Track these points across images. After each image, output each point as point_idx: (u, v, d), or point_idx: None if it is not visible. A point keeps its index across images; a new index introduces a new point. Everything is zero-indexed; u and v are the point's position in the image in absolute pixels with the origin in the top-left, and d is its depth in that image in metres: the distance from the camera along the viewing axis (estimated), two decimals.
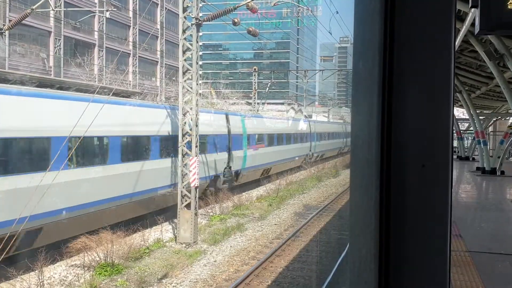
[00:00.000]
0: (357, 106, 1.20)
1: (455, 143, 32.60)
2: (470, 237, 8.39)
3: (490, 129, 33.32)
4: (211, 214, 18.90)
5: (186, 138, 15.40)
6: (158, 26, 50.38)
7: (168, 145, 17.15)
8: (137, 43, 46.44)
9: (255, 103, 38.50)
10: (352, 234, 1.19)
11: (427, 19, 1.10)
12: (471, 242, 8.03)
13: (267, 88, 40.05)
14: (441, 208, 1.10)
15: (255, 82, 38.29)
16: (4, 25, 18.29)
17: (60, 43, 38.47)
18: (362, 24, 1.19)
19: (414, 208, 1.10)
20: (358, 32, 1.19)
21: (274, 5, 26.31)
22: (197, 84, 15.54)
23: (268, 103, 67.15)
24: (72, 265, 12.21)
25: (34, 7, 17.57)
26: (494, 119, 30.96)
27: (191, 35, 15.37)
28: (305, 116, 43.25)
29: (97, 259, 11.95)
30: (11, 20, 21.56)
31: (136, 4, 48.12)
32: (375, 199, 1.10)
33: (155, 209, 16.54)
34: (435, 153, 1.10)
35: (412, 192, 1.10)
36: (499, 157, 21.13)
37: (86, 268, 11.93)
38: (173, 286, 11.16)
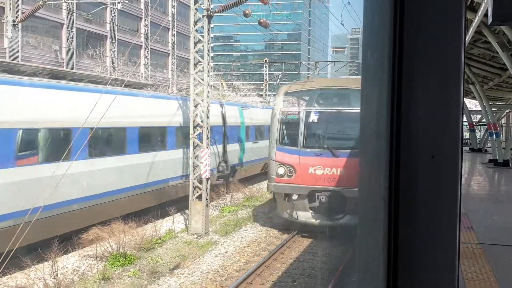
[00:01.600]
0: (366, 97, 1.20)
1: (468, 135, 32.27)
2: (481, 229, 8.32)
3: (503, 121, 32.97)
4: (222, 205, 18.95)
5: (198, 130, 15.43)
6: (170, 18, 50.39)
7: (180, 136, 17.23)
8: (149, 35, 46.49)
9: (266, 94, 38.42)
10: (361, 225, 1.19)
11: (437, 10, 1.09)
12: (483, 234, 7.97)
13: (278, 80, 39.98)
14: (450, 199, 1.09)
15: (266, 74, 38.21)
16: (17, 17, 18.39)
17: (73, 35, 38.61)
18: (371, 14, 1.18)
19: (423, 199, 1.10)
20: (367, 23, 1.19)
21: None
22: (208, 76, 15.53)
23: None
24: (84, 256, 12.31)
25: None
26: (507, 110, 30.61)
27: (202, 27, 15.37)
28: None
29: (110, 249, 12.04)
30: (23, 12, 21.67)
31: None
32: (384, 190, 1.10)
33: (168, 200, 16.65)
34: (445, 144, 1.09)
35: (421, 183, 1.10)
36: (511, 149, 20.93)
37: (98, 259, 12.02)
38: (184, 277, 11.22)
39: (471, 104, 34.21)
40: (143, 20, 47.85)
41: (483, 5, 8.47)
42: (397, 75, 1.11)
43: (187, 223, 15.63)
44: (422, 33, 1.11)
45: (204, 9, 15.16)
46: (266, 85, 38.00)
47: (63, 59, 37.08)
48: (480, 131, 40.39)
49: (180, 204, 16.96)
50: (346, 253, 12.85)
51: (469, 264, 6.48)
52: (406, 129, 1.10)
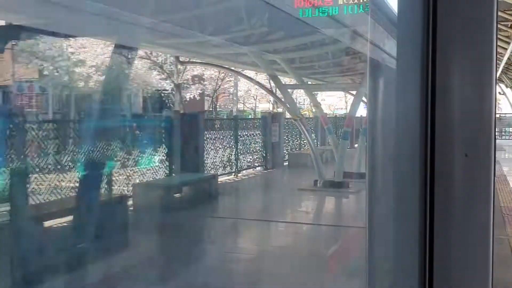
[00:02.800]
0: (401, 95, 1.16)
1: None
2: None
3: None
4: None
5: None
6: None
7: None
8: None
9: None
10: (396, 225, 1.16)
11: (469, 7, 1.06)
12: None
13: None
14: (484, 198, 1.06)
15: None
16: None
17: None
18: (405, 16, 1.15)
19: (458, 198, 1.07)
20: (401, 23, 1.15)
21: None
22: None
23: None
24: None
25: None
26: None
27: None
28: None
29: None
30: None
31: None
32: (420, 189, 1.08)
33: None
34: (478, 142, 1.06)
35: (455, 182, 1.07)
36: None
37: None
38: None
39: None
40: None
41: None
42: (431, 73, 1.08)
43: None
44: (455, 30, 1.08)
45: None
46: None
47: None
48: None
49: None
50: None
51: None
52: (440, 128, 1.08)
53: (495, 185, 1.07)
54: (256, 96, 31.04)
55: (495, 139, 1.08)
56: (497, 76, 24.10)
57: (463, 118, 1.06)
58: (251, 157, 16.17)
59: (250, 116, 30.09)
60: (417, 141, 1.08)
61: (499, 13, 13.12)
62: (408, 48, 1.10)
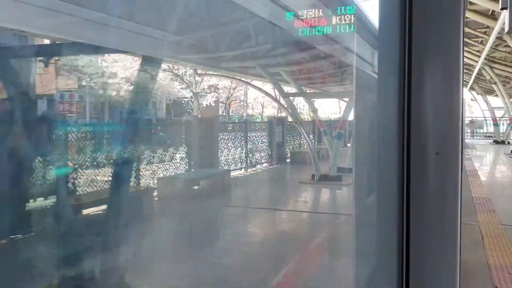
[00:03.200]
0: (380, 97, 1.15)
1: (492, 129, 30.96)
2: (503, 212, 7.96)
3: None
4: None
5: None
6: None
7: None
8: None
9: None
10: (377, 224, 1.14)
11: (438, 13, 1.05)
12: (505, 217, 7.63)
13: None
14: (452, 191, 1.04)
15: None
16: None
17: None
18: (385, 18, 1.13)
19: (430, 196, 1.06)
20: (381, 26, 1.13)
21: None
22: None
23: None
24: None
25: None
26: None
27: None
28: None
29: None
30: None
31: None
32: (397, 188, 1.06)
33: None
34: (448, 141, 1.05)
35: (427, 180, 1.05)
36: None
37: None
38: None
39: (495, 101, 32.77)
40: None
41: (502, 14, 8.09)
42: (407, 82, 1.07)
43: None
44: (428, 45, 1.07)
45: None
46: None
47: None
48: (503, 125, 38.63)
49: None
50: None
51: (492, 242, 6.22)
52: (415, 129, 1.06)
53: (462, 180, 1.05)
54: (263, 103, 30.98)
55: (462, 139, 1.06)
56: (470, 84, 23.97)
57: (434, 121, 1.05)
58: (258, 154, 16.15)
59: (258, 120, 30.02)
60: (395, 141, 1.06)
61: (471, 31, 13.08)
62: (386, 61, 1.08)
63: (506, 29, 3.33)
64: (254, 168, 15.51)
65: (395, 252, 1.06)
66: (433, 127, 1.04)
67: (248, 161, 15.19)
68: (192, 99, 23.66)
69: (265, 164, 16.41)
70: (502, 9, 3.41)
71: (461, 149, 1.05)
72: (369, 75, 1.18)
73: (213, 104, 25.52)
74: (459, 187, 1.05)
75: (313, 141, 17.61)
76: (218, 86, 24.72)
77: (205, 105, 24.78)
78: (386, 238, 1.08)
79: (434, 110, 1.04)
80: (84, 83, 20.10)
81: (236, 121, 26.56)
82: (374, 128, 1.12)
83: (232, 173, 13.09)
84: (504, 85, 19.26)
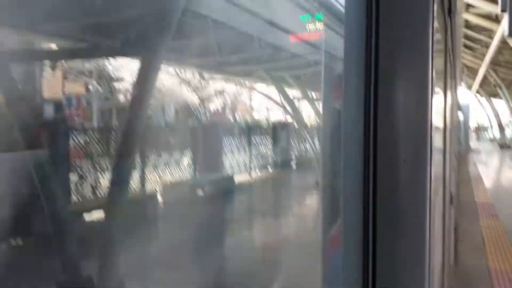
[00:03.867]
0: (347, 102, 1.10)
1: (497, 134, 30.70)
2: (504, 216, 7.88)
3: None
4: None
5: None
6: None
7: None
8: None
9: None
10: (344, 231, 1.10)
11: (405, 16, 1.01)
12: (506, 222, 7.55)
13: None
14: (420, 199, 1.00)
15: None
16: None
17: None
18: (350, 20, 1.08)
19: (397, 203, 1.01)
20: (347, 30, 1.09)
21: None
22: None
23: None
24: None
25: None
26: None
27: None
28: None
29: None
30: None
31: None
32: (363, 194, 1.02)
33: None
34: (415, 148, 1.00)
35: (395, 187, 1.01)
36: None
37: None
38: None
39: (500, 105, 32.50)
40: None
41: (503, 17, 8.02)
42: (374, 79, 1.02)
43: None
44: (395, 38, 1.03)
45: None
46: None
47: None
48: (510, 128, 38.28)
49: None
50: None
51: (493, 246, 6.16)
52: (381, 134, 1.02)
53: (431, 188, 1.01)
54: (268, 107, 30.98)
55: (431, 146, 1.02)
56: (476, 88, 23.77)
57: (401, 127, 1.01)
58: (263, 159, 16.11)
59: (263, 125, 30.00)
60: (360, 147, 1.02)
61: (475, 34, 12.98)
62: (352, 64, 1.03)
63: (506, 33, 3.27)
64: (257, 173, 15.46)
65: (361, 262, 1.02)
66: (401, 133, 1.00)
67: (252, 166, 15.14)
68: (199, 104, 23.70)
69: (269, 170, 16.35)
70: (502, 11, 3.36)
71: (429, 156, 1.01)
72: (337, 79, 1.13)
73: (219, 109, 25.54)
74: (427, 195, 1.00)
75: (318, 146, 17.53)
76: (224, 91, 24.73)
77: (211, 110, 24.83)
78: (351, 248, 1.03)
79: (401, 116, 1.00)
80: (91, 88, 20.23)
81: (241, 125, 26.53)
82: (340, 134, 1.08)
83: (236, 178, 13.05)
84: (508, 89, 19.08)
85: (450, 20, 2.35)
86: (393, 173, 1.00)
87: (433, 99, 1.01)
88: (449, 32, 2.31)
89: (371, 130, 0.99)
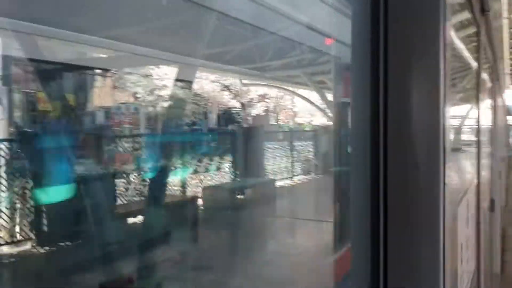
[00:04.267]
0: (356, 106, 1.09)
1: None
2: None
3: None
4: None
5: None
6: None
7: None
8: None
9: None
10: (352, 231, 1.08)
11: (415, 17, 0.99)
12: None
13: None
14: (433, 203, 0.97)
15: None
16: None
17: None
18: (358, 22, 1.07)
19: (410, 204, 0.99)
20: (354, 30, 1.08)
21: None
22: None
23: None
24: None
25: None
26: None
27: None
28: None
29: None
30: None
31: None
32: (372, 196, 1.01)
33: None
34: (427, 150, 0.98)
35: (407, 190, 0.99)
36: None
37: None
38: None
39: None
40: None
41: None
42: (383, 80, 1.01)
43: None
44: (405, 37, 1.00)
45: None
46: None
47: None
48: None
49: None
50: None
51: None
52: (392, 137, 1.00)
53: (445, 191, 0.98)
54: (311, 111, 30.81)
55: (444, 148, 0.99)
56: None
57: (412, 126, 0.98)
58: (304, 164, 16.01)
59: (305, 129, 29.87)
60: (368, 150, 1.00)
61: None
62: (360, 64, 1.02)
63: None
64: (299, 178, 15.39)
65: (369, 265, 1.00)
66: (413, 137, 0.98)
67: (294, 171, 15.09)
68: (241, 109, 23.89)
69: (311, 174, 16.24)
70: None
71: (442, 159, 0.98)
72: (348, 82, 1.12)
73: (262, 113, 25.63)
74: (440, 198, 0.97)
75: None
76: (266, 95, 24.83)
77: (253, 115, 24.96)
78: (361, 249, 1.01)
79: (411, 118, 0.98)
80: (139, 96, 20.82)
81: (284, 130, 26.52)
82: (349, 137, 1.06)
83: (278, 183, 13.03)
84: None
85: (486, 20, 2.26)
86: (404, 178, 0.98)
87: (445, 100, 0.98)
88: (483, 32, 2.23)
89: (380, 132, 0.97)
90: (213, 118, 26.41)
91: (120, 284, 5.02)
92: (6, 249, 6.44)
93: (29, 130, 8.52)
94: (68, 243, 6.62)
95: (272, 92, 24.01)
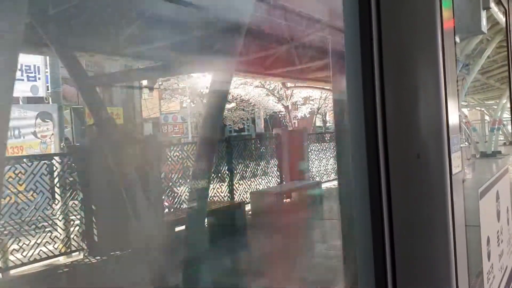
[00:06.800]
0: (353, 100, 1.07)
1: None
2: None
3: None
4: None
5: None
6: None
7: None
8: None
9: None
10: (358, 228, 1.06)
11: (413, 13, 0.97)
12: None
13: None
14: (438, 198, 0.94)
15: None
16: None
17: None
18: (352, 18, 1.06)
19: (413, 199, 0.97)
20: (348, 25, 1.06)
21: None
22: None
23: None
24: None
25: None
26: None
27: None
28: None
29: None
30: None
31: None
32: (374, 191, 0.99)
33: None
34: (429, 143, 0.95)
35: (409, 183, 0.97)
36: None
37: None
38: None
39: None
40: None
41: None
42: (380, 76, 0.99)
43: None
44: (401, 35, 0.99)
45: None
46: None
47: None
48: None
49: None
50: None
51: None
52: (392, 129, 0.98)
53: (452, 183, 0.95)
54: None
55: (448, 140, 0.96)
56: None
57: (412, 120, 0.96)
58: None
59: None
60: (372, 143, 0.98)
61: None
62: (356, 58, 1.00)
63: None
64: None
65: (379, 259, 0.98)
66: (412, 128, 0.96)
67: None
68: (286, 112, 23.86)
69: None
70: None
71: (447, 151, 0.95)
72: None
73: (307, 116, 25.46)
74: (447, 191, 0.95)
75: None
76: (310, 98, 24.65)
77: (299, 117, 24.85)
78: (364, 245, 1.00)
79: (410, 111, 0.96)
80: (185, 105, 21.20)
81: (331, 131, 26.20)
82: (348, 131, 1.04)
83: (324, 185, 12.89)
84: None
85: None
86: (407, 170, 0.96)
87: (447, 93, 0.95)
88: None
89: (378, 127, 0.96)
90: (260, 123, 26.51)
91: None
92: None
93: (79, 144, 8.86)
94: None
95: (316, 94, 23.78)
